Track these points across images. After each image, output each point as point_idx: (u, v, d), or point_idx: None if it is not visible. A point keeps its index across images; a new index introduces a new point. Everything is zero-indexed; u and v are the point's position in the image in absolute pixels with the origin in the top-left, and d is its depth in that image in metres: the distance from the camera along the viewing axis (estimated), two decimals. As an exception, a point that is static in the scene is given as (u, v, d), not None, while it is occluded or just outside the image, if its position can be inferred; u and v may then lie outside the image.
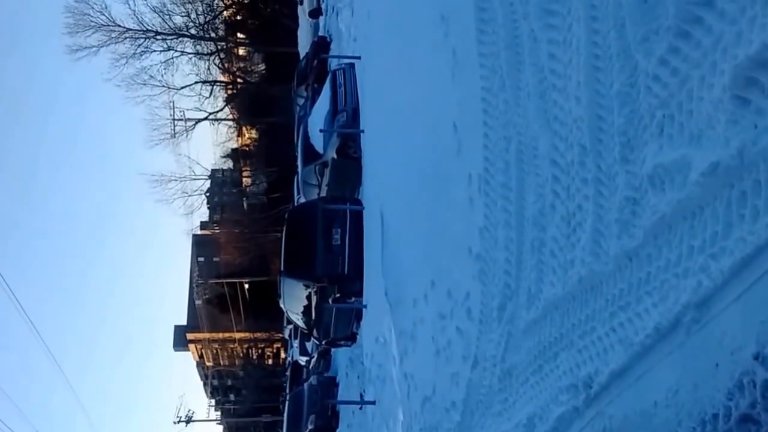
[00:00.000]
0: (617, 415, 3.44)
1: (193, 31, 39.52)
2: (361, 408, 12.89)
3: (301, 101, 21.76)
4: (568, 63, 3.93)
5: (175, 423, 47.69)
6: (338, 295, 13.44)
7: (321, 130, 14.22)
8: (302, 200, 18.10)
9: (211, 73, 41.90)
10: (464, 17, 5.76)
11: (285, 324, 32.91)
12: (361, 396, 12.82)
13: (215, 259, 56.68)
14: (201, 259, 58.69)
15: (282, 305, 15.59)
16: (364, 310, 12.89)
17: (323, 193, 15.86)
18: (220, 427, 66.86)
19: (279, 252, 15.90)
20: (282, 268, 14.68)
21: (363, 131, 13.19)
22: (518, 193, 4.72)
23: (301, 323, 15.83)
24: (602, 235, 3.55)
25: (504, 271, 4.94)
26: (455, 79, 6.17)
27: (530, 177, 4.51)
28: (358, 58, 13.90)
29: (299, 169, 17.44)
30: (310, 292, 14.13)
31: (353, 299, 13.40)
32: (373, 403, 11.31)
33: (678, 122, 2.94)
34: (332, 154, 14.26)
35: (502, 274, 4.99)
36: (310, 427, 16.64)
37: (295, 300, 14.73)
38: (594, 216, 3.63)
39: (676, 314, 2.92)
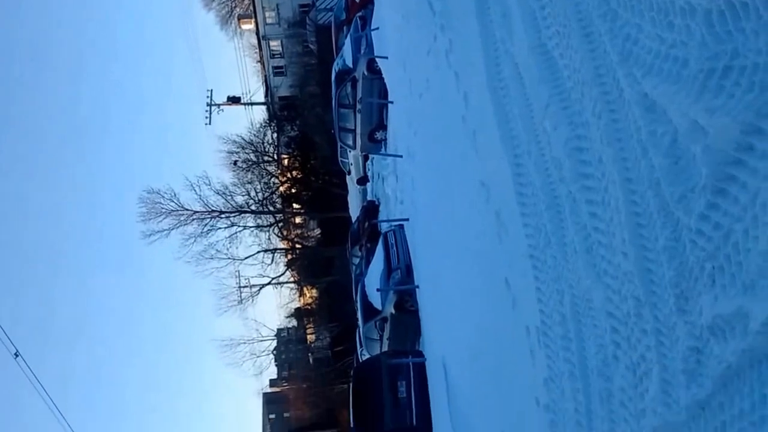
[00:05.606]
0: None
1: (253, 207, 41.18)
2: None
3: (356, 260, 22.06)
4: (609, 221, 3.94)
5: None
6: (409, 447, 12.92)
7: (378, 289, 14.29)
8: (365, 354, 17.88)
9: (271, 242, 43.21)
10: (503, 183, 5.89)
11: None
12: None
13: (285, 414, 55.56)
14: (272, 416, 57.64)
15: (355, 461, 15.02)
16: (436, 461, 12.31)
17: (385, 347, 15.66)
18: None
19: (347, 403, 15.53)
20: (352, 425, 14.28)
21: (418, 286, 13.20)
22: (578, 344, 4.59)
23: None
24: (670, 384, 3.40)
25: (575, 421, 4.72)
26: (501, 238, 6.21)
27: (588, 328, 4.40)
28: (407, 219, 14.16)
29: (360, 326, 17.38)
30: (381, 447, 13.63)
31: (424, 451, 12.84)
32: None
33: (729, 273, 2.88)
34: (390, 309, 14.21)
35: (573, 425, 4.76)
36: None
37: (367, 455, 14.19)
38: (659, 366, 3.49)
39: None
